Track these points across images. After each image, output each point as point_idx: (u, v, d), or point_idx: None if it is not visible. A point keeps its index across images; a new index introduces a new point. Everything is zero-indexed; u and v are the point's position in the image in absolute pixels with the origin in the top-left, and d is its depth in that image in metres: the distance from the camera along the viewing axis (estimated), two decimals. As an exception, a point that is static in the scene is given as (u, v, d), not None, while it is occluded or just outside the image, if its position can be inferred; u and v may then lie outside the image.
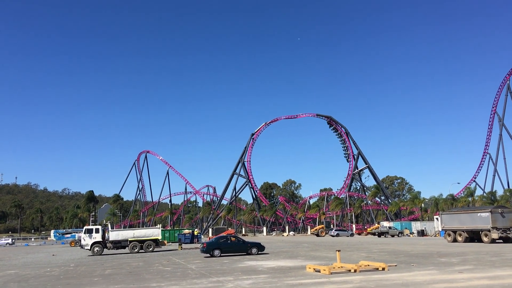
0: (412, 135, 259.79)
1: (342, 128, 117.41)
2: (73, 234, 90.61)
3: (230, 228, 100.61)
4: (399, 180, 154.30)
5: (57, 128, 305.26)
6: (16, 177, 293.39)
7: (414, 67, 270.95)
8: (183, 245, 50.02)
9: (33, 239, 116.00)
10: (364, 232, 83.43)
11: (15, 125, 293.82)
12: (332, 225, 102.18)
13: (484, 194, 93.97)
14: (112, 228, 55.50)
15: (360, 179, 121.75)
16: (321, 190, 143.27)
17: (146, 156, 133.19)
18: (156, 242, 41.64)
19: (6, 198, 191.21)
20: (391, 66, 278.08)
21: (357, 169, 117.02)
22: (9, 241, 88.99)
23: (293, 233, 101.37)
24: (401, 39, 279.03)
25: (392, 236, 68.96)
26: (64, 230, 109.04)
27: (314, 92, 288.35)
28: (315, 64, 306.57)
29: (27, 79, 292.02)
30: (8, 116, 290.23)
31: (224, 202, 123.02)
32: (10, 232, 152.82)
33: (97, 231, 40.93)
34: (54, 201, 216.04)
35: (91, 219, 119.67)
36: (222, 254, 31.26)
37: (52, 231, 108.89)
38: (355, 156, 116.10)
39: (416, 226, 75.92)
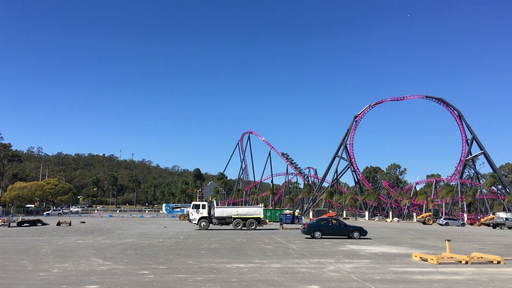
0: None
1: (454, 111, 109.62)
2: (182, 208, 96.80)
3: (331, 211, 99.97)
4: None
5: (169, 110, 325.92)
6: (132, 154, 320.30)
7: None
8: (284, 225, 50.70)
9: (147, 212, 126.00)
10: (477, 223, 77.67)
11: (133, 107, 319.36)
12: (440, 213, 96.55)
13: None
14: (217, 205, 58.16)
15: (474, 165, 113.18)
16: (428, 176, 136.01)
17: (249, 137, 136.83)
18: (258, 221, 42.63)
19: (124, 173, 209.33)
20: (510, 43, 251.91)
21: (471, 154, 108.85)
22: (79, 209, 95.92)
23: (397, 219, 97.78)
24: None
25: (509, 228, 63.28)
26: (174, 205, 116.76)
27: (423, 73, 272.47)
28: (426, 43, 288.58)
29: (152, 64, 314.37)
30: (126, 98, 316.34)
31: (325, 184, 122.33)
32: (127, 204, 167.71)
33: (203, 207, 43.06)
34: (165, 177, 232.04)
35: (198, 195, 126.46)
36: (323, 236, 31.14)
37: (164, 205, 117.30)
38: (469, 141, 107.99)
39: (539, 219, 68.69)
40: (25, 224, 46.96)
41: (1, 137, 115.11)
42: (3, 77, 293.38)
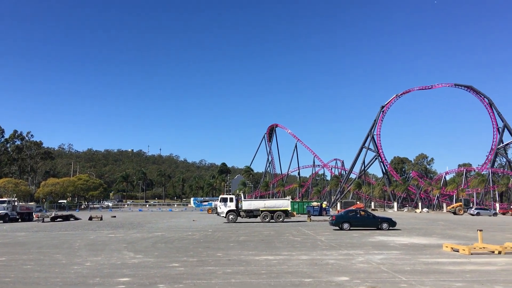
0: None
1: (484, 99, 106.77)
2: (210, 202, 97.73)
3: (359, 202, 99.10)
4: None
5: (194, 105, 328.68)
6: (160, 149, 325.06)
7: None
8: (312, 217, 50.60)
9: (175, 205, 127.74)
10: (510, 212, 75.82)
11: (159, 103, 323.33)
12: (471, 203, 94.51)
13: None
14: (244, 198, 58.43)
15: (506, 154, 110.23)
16: (459, 166, 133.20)
17: (275, 130, 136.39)
18: (286, 213, 42.65)
19: (152, 168, 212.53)
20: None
21: (502, 143, 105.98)
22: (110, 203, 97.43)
23: (427, 210, 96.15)
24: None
25: (545, 218, 61.49)
26: (202, 198, 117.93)
27: (452, 60, 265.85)
28: (453, 30, 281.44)
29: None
30: (153, 95, 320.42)
31: (352, 176, 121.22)
32: (156, 198, 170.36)
33: (231, 200, 43.37)
34: (192, 171, 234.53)
35: (225, 189, 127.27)
36: (351, 228, 30.96)
37: (192, 199, 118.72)
38: (500, 129, 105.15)
39: None
40: (58, 219, 48.30)
41: (32, 135, 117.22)
42: (34, 76, 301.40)
